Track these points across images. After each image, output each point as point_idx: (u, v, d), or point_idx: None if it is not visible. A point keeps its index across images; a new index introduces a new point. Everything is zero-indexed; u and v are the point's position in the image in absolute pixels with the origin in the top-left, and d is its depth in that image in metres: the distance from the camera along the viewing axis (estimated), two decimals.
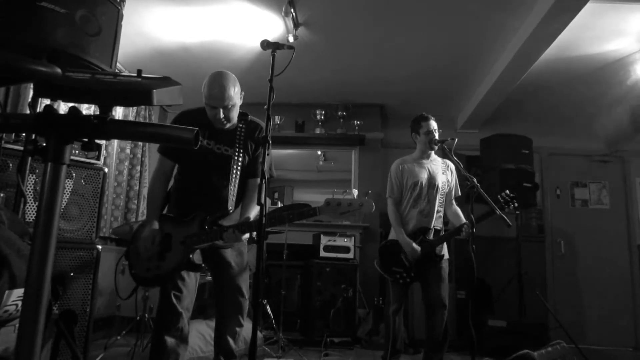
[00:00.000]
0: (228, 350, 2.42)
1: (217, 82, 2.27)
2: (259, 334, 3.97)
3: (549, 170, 6.05)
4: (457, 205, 3.49)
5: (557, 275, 5.75)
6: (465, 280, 4.91)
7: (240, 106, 2.43)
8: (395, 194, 3.37)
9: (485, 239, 5.18)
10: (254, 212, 2.32)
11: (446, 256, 3.29)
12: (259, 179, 2.37)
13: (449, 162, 3.47)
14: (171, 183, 2.53)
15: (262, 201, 1.93)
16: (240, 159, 2.37)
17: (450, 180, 3.43)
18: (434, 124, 3.35)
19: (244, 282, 2.46)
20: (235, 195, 2.36)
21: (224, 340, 2.41)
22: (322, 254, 4.78)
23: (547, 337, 4.30)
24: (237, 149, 2.37)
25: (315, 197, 6.19)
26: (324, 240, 4.82)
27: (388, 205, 3.40)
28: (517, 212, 4.74)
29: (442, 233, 3.35)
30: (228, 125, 2.36)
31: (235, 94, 2.30)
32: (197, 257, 2.29)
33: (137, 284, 2.39)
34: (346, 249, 4.82)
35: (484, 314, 4.57)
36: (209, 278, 3.76)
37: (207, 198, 2.35)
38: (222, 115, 2.28)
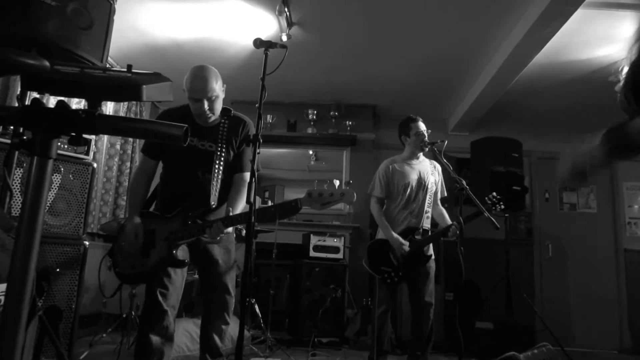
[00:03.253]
0: (214, 348, 2.40)
1: (199, 75, 2.28)
2: (247, 333, 3.95)
3: (538, 173, 6.10)
4: (447, 207, 3.51)
5: (545, 278, 5.80)
6: (453, 282, 4.94)
7: (233, 104, 2.42)
8: (380, 193, 3.37)
9: (474, 241, 5.20)
10: (239, 206, 2.32)
11: (433, 256, 3.31)
12: (245, 174, 2.38)
13: (436, 162, 3.49)
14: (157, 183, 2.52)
15: (252, 200, 1.92)
16: (223, 155, 2.37)
17: (437, 180, 3.45)
18: (422, 126, 3.36)
19: (231, 280, 2.46)
20: (218, 190, 2.35)
21: (210, 338, 2.40)
22: (312, 253, 4.78)
23: (534, 339, 4.34)
24: (220, 145, 2.37)
25: None
26: (314, 240, 4.81)
27: (371, 203, 3.40)
28: (506, 214, 4.78)
29: (430, 233, 3.36)
30: (213, 119, 2.36)
31: (218, 86, 2.31)
32: (180, 253, 2.28)
33: (121, 281, 2.38)
34: (336, 249, 4.82)
35: (472, 316, 4.60)
36: (197, 276, 3.74)
37: (191, 194, 2.34)
38: (206, 107, 2.28)
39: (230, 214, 2.21)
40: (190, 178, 2.36)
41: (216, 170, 2.34)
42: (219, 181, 2.36)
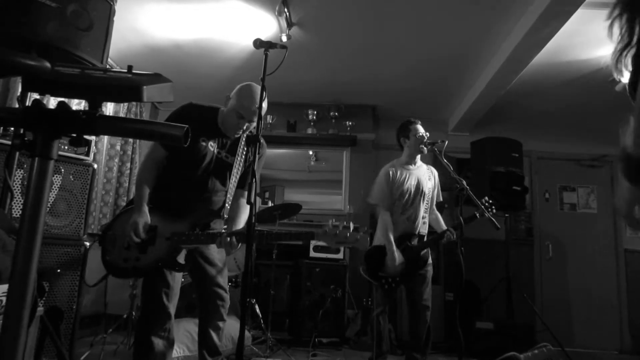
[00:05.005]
0: (212, 345, 2.39)
1: (256, 96, 2.23)
2: (247, 334, 3.95)
3: (538, 174, 6.10)
4: (447, 207, 3.51)
5: (545, 278, 5.80)
6: (453, 283, 4.94)
7: None
8: (387, 202, 3.34)
9: (474, 242, 5.21)
10: (242, 223, 2.30)
11: (429, 260, 3.31)
12: (245, 192, 2.32)
13: (432, 168, 3.50)
14: None
15: (252, 200, 1.92)
16: (240, 168, 2.38)
17: (434, 186, 3.46)
18: (422, 128, 3.37)
19: (224, 277, 2.45)
20: (230, 202, 2.34)
21: (208, 336, 2.38)
22: (312, 254, 4.78)
23: (534, 340, 4.34)
24: (238, 158, 2.37)
25: (306, 197, 6.18)
26: (314, 241, 4.81)
27: (380, 214, 3.34)
28: (506, 214, 4.78)
29: (426, 239, 3.37)
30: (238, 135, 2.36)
31: (262, 112, 2.28)
32: (182, 257, 2.24)
33: (108, 272, 2.25)
34: (336, 250, 4.82)
35: (472, 316, 4.60)
36: None
37: (202, 200, 2.32)
38: (244, 127, 2.28)
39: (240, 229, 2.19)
40: (203, 182, 2.32)
41: (232, 183, 2.34)
42: (232, 193, 2.36)
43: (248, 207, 2.31)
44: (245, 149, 2.40)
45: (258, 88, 2.24)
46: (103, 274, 2.37)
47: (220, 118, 2.35)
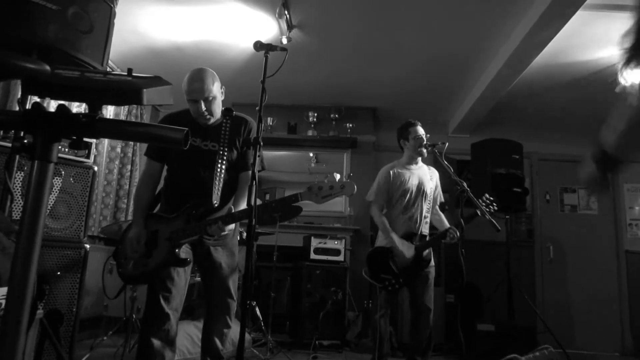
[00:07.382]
0: (215, 351, 2.40)
1: (196, 76, 2.31)
2: (248, 336, 3.95)
3: (538, 175, 6.09)
4: (447, 209, 3.51)
5: (546, 280, 5.79)
6: (454, 284, 4.93)
7: (234, 106, 2.44)
8: (381, 200, 3.36)
9: (475, 243, 5.20)
10: (242, 204, 2.33)
11: (432, 262, 3.31)
12: (250, 172, 2.38)
13: (433, 169, 3.50)
14: (162, 185, 2.52)
15: (253, 203, 1.92)
16: (225, 154, 2.38)
17: (435, 187, 3.45)
18: (421, 130, 3.36)
19: (233, 284, 2.46)
20: (220, 189, 2.35)
21: (211, 342, 2.40)
22: (313, 256, 4.77)
23: (535, 341, 4.33)
24: (222, 144, 2.39)
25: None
26: (315, 243, 4.81)
27: (372, 210, 3.38)
28: (506, 216, 4.77)
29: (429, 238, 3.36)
30: (212, 120, 2.38)
31: (215, 87, 2.33)
32: (183, 252, 2.29)
33: (125, 282, 2.39)
34: (336, 252, 4.81)
35: (473, 318, 4.59)
36: (198, 279, 3.74)
37: (194, 194, 2.35)
38: (203, 108, 2.30)
39: (232, 211, 2.21)
40: (193, 178, 2.37)
41: (218, 170, 2.35)
42: (222, 180, 2.36)
43: (247, 187, 2.35)
44: (229, 134, 2.41)
45: (202, 69, 2.33)
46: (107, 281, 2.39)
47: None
